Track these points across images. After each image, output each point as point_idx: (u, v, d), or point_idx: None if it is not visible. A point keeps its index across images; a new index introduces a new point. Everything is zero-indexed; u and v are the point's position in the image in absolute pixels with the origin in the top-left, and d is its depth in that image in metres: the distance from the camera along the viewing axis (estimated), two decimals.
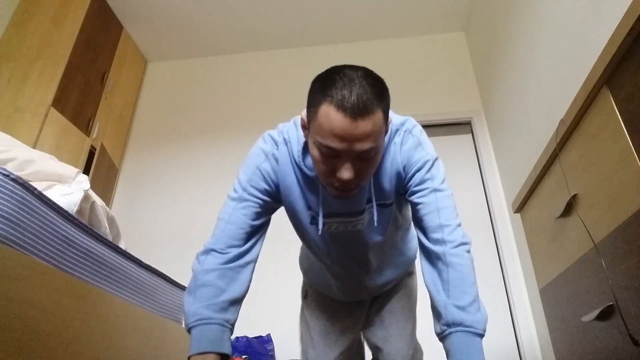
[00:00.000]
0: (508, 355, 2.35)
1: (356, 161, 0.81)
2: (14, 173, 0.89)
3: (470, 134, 3.02)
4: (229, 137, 3.20)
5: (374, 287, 1.19)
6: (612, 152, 0.94)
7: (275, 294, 2.56)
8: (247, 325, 2.48)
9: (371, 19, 3.22)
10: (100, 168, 2.84)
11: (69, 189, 1.25)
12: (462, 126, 3.05)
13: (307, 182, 0.96)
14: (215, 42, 3.42)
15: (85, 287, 1.08)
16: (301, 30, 3.33)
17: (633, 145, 0.87)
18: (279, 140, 0.98)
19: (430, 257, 0.92)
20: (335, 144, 0.78)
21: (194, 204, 2.98)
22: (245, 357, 2.13)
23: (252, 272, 0.98)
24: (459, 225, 0.94)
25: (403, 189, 0.99)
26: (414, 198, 0.95)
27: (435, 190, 0.94)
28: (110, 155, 2.98)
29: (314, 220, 1.00)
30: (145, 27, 3.28)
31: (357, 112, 0.76)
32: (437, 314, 0.88)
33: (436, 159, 0.97)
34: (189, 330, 0.87)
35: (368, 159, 0.83)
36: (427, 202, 0.93)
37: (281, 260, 2.64)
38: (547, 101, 1.99)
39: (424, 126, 3.38)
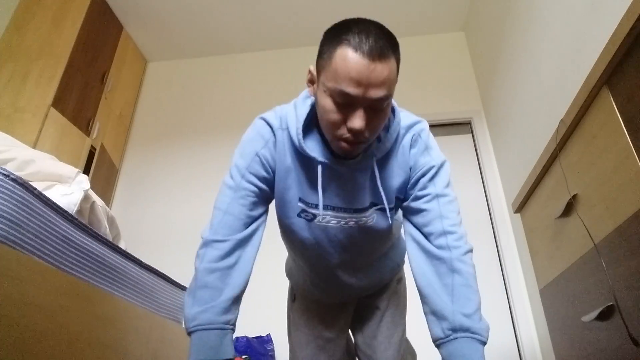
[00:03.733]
0: (508, 355, 2.35)
1: (368, 111, 0.79)
2: (14, 173, 0.89)
3: (470, 134, 3.02)
4: (229, 137, 3.20)
5: (358, 289, 1.16)
6: (612, 152, 0.94)
7: (276, 294, 2.55)
8: (247, 325, 2.48)
9: (371, 19, 3.21)
10: (100, 168, 2.84)
11: (69, 189, 1.25)
12: (462, 126, 3.05)
13: (306, 168, 0.93)
14: (215, 42, 3.42)
15: (85, 287, 1.08)
16: (301, 30, 3.33)
17: (633, 145, 0.87)
18: (275, 125, 0.95)
19: (432, 260, 0.90)
20: (350, 89, 0.76)
21: (194, 204, 2.98)
22: (245, 357, 2.13)
23: (253, 262, 0.94)
24: (464, 232, 0.93)
25: (405, 194, 0.97)
26: (417, 204, 0.94)
27: (438, 195, 0.93)
28: (110, 155, 2.98)
29: (302, 213, 0.96)
30: (145, 27, 3.28)
31: (374, 54, 0.76)
32: (440, 317, 0.86)
33: (442, 164, 0.95)
34: (188, 334, 0.84)
35: (379, 110, 0.81)
36: (430, 209, 0.92)
37: (281, 260, 2.64)
38: (547, 101, 1.99)
39: None
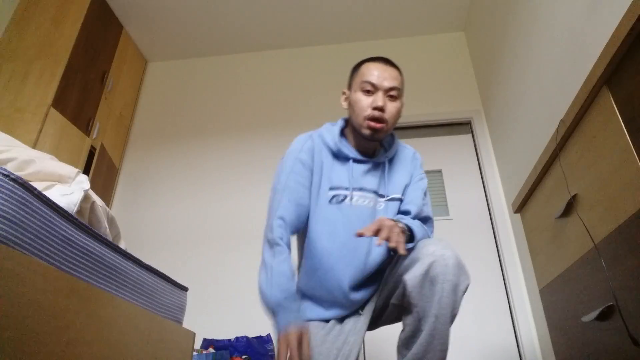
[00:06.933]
0: (508, 355, 2.35)
1: (386, 98, 1.19)
2: (14, 173, 0.89)
3: (470, 134, 3.02)
4: (228, 137, 3.20)
5: (367, 276, 1.22)
6: (612, 152, 0.94)
7: None
8: (247, 325, 2.48)
9: (371, 18, 3.22)
10: (100, 168, 2.84)
11: (69, 189, 1.25)
12: (462, 126, 3.05)
13: (338, 162, 1.25)
14: (215, 42, 3.42)
15: (85, 287, 1.08)
16: (301, 30, 3.33)
17: (633, 145, 0.87)
18: (313, 134, 1.29)
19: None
20: (372, 78, 1.19)
21: (193, 204, 2.99)
22: (245, 357, 2.13)
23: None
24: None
25: (405, 194, 1.29)
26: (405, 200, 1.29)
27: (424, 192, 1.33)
28: (110, 155, 2.98)
29: (333, 200, 1.21)
30: (145, 27, 3.28)
31: (387, 62, 1.24)
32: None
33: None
34: (272, 309, 1.06)
35: (394, 99, 1.20)
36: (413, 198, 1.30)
37: None
38: (547, 101, 1.99)
39: (424, 126, 3.39)
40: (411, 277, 1.03)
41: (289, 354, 0.99)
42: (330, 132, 1.28)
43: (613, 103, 0.93)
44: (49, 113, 2.37)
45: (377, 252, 1.22)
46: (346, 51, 3.40)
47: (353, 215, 1.21)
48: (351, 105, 1.24)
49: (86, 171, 2.67)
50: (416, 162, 1.35)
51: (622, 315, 0.92)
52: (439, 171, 2.89)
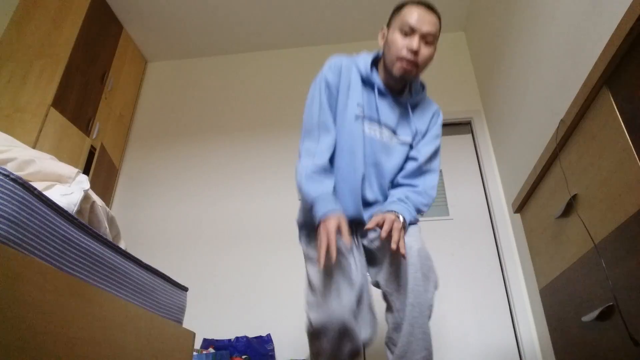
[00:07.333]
0: (508, 355, 2.35)
1: (422, 42, 1.23)
2: (14, 173, 0.89)
3: (470, 134, 3.02)
4: (228, 136, 3.20)
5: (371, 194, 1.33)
6: (612, 152, 0.94)
7: (275, 294, 2.56)
8: (247, 325, 2.49)
9: (371, 18, 3.22)
10: (100, 168, 2.84)
11: (69, 189, 1.25)
12: (462, 126, 3.05)
13: (366, 88, 1.32)
14: (215, 42, 3.42)
15: (85, 287, 1.08)
16: (301, 30, 3.33)
17: (633, 145, 0.87)
18: (347, 56, 1.36)
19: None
20: (412, 21, 1.22)
21: (194, 204, 2.98)
22: (245, 357, 2.13)
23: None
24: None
25: (415, 144, 1.36)
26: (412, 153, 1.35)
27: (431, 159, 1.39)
28: (110, 155, 2.98)
29: (357, 118, 1.29)
30: (145, 27, 3.28)
31: (429, 7, 1.25)
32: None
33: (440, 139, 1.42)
34: (310, 202, 1.16)
35: (428, 45, 1.24)
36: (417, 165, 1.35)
37: (281, 261, 2.64)
38: (547, 101, 1.99)
39: None
40: (384, 270, 1.14)
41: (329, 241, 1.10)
42: (364, 59, 1.35)
43: (613, 103, 0.93)
44: (49, 113, 2.37)
45: (393, 167, 1.34)
46: (346, 51, 3.39)
47: (367, 140, 1.30)
48: (387, 44, 1.29)
49: (86, 171, 2.67)
50: (437, 118, 1.40)
51: (622, 315, 0.92)
52: (439, 171, 2.89)
